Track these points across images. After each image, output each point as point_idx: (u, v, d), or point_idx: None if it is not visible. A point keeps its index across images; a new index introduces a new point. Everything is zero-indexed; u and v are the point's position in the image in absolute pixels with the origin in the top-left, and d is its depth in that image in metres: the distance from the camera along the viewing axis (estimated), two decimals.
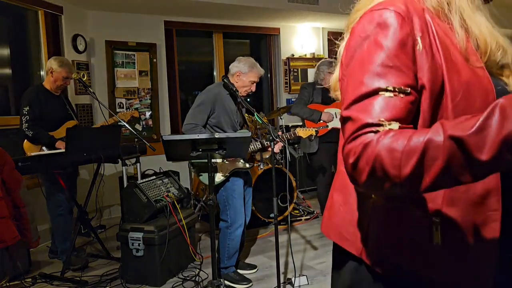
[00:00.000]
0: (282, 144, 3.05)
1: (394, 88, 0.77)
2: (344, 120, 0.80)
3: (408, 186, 0.69)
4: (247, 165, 3.04)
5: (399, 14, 0.81)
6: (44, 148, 3.42)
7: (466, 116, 0.67)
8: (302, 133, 3.33)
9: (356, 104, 0.79)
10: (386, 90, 0.77)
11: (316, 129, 3.39)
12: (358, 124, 0.76)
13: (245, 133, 2.72)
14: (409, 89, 0.78)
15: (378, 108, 0.76)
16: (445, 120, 0.74)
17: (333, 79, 1.06)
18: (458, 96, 0.81)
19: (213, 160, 2.80)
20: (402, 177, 0.68)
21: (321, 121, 3.91)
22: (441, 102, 0.82)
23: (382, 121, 0.75)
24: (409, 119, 0.78)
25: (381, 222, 0.89)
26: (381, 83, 0.78)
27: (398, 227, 0.87)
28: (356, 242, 0.92)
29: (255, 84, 3.09)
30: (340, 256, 0.98)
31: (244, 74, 3.02)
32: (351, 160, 0.74)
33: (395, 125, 0.75)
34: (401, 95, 0.77)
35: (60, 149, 3.34)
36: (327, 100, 3.94)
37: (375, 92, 0.77)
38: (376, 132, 0.74)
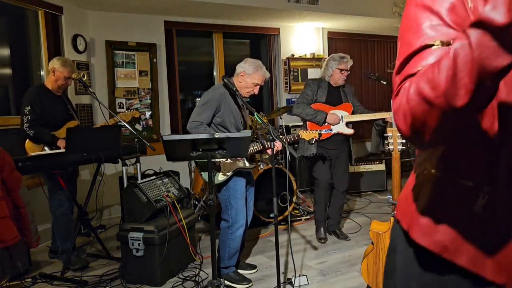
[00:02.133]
0: (282, 144, 3.02)
1: (439, 42, 0.77)
2: (394, 83, 0.81)
3: (453, 101, 0.66)
4: (250, 165, 3.04)
5: None
6: (46, 148, 3.42)
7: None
8: (305, 135, 3.25)
9: (406, 65, 0.79)
10: (432, 46, 0.77)
11: (319, 132, 3.30)
12: (401, 78, 0.77)
13: (245, 132, 2.72)
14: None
15: (423, 61, 0.76)
16: None
17: None
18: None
19: (216, 159, 2.80)
20: (442, 91, 0.67)
21: (326, 124, 3.66)
22: None
23: (421, 67, 0.75)
24: None
25: (427, 195, 0.88)
26: (427, 40, 0.78)
27: (446, 199, 0.86)
28: (407, 216, 0.93)
29: (258, 87, 3.03)
30: (396, 232, 0.99)
31: (248, 75, 2.99)
32: (396, 110, 0.75)
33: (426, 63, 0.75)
34: (447, 47, 0.76)
35: (61, 148, 3.34)
36: (333, 100, 3.75)
37: (421, 49, 0.78)
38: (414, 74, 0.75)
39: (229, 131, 2.94)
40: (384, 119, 3.78)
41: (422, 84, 0.70)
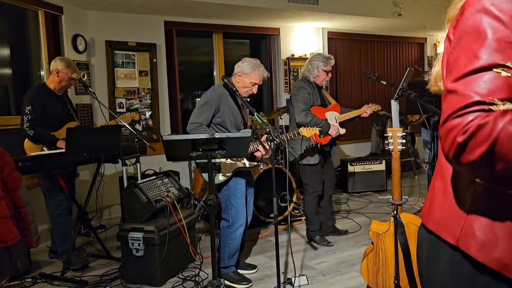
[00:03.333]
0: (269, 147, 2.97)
1: (509, 65, 0.72)
2: (449, 92, 0.76)
3: None
4: (250, 164, 3.03)
5: None
6: (45, 148, 3.42)
7: None
8: (306, 132, 3.20)
9: (466, 78, 0.74)
10: (504, 66, 0.72)
11: (320, 130, 3.27)
12: (467, 100, 0.72)
13: (245, 133, 2.72)
14: None
15: (492, 86, 0.71)
16: None
17: (434, 73, 1.02)
18: None
19: (216, 160, 2.80)
20: None
21: (327, 135, 3.61)
22: None
23: (495, 100, 0.70)
24: None
25: (482, 208, 0.84)
26: (498, 58, 0.73)
27: (502, 213, 0.82)
28: (455, 230, 0.88)
29: (256, 86, 3.02)
30: (437, 244, 0.94)
31: (245, 74, 2.98)
32: (460, 138, 0.71)
33: (510, 105, 0.70)
34: None
35: (61, 148, 3.34)
36: (322, 101, 3.72)
37: (490, 68, 0.73)
38: (488, 110, 0.70)
39: (229, 131, 2.94)
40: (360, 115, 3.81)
41: (506, 140, 0.68)
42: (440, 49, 1.15)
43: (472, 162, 0.71)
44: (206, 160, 2.87)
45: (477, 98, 0.71)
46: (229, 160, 2.93)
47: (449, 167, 0.92)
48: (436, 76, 1.02)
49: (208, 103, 2.92)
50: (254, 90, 3.03)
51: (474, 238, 0.84)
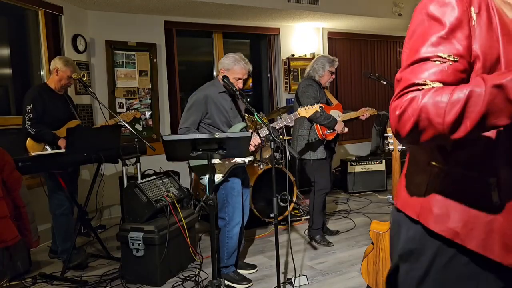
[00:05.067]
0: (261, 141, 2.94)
1: (445, 56, 0.88)
2: (397, 81, 0.92)
3: (449, 132, 0.81)
4: (246, 160, 3.01)
5: None
6: (47, 147, 3.43)
7: (502, 71, 0.80)
8: (304, 112, 3.09)
9: (409, 68, 0.91)
10: (438, 57, 0.88)
11: (321, 105, 3.16)
12: (406, 83, 0.88)
13: (245, 133, 2.72)
14: (459, 58, 0.88)
15: (426, 72, 0.87)
16: (483, 74, 0.84)
17: None
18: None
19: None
20: (445, 124, 0.80)
21: (334, 131, 3.62)
22: (494, 71, 0.89)
23: (427, 81, 0.86)
24: (455, 84, 0.86)
25: (437, 187, 0.97)
26: (433, 51, 0.88)
27: (453, 191, 0.95)
28: (415, 206, 1.01)
29: (241, 81, 3.00)
30: (400, 221, 1.07)
31: (227, 70, 2.97)
32: (397, 113, 0.86)
33: (439, 85, 0.86)
34: (450, 62, 0.87)
35: (63, 147, 3.34)
36: (327, 100, 3.79)
37: (426, 59, 0.89)
38: (421, 90, 0.85)
39: (221, 130, 2.95)
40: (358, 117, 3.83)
41: (430, 106, 0.81)
42: None
43: (409, 133, 0.85)
44: (201, 164, 2.92)
45: (413, 81, 0.87)
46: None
47: (412, 153, 1.07)
48: None
49: (194, 107, 2.94)
50: (240, 85, 2.99)
51: (431, 212, 0.97)
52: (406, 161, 1.12)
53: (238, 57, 2.99)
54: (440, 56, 0.87)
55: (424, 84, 0.86)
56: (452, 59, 0.87)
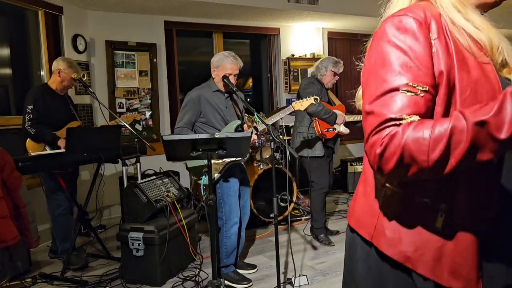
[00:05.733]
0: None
1: (414, 85, 0.86)
2: (367, 114, 0.89)
3: (434, 169, 0.79)
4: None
5: (417, 20, 0.89)
6: (47, 147, 3.43)
7: (479, 105, 0.78)
8: (299, 105, 3.09)
9: (379, 99, 0.87)
10: (407, 86, 0.86)
11: (315, 97, 3.16)
12: (381, 118, 0.85)
13: (245, 132, 2.72)
14: (428, 87, 0.87)
15: (400, 104, 0.85)
16: (461, 109, 0.82)
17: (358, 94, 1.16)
18: (466, 93, 0.89)
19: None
20: (430, 161, 0.78)
21: (335, 125, 3.63)
22: (451, 98, 0.90)
23: (404, 115, 0.84)
24: (428, 114, 0.87)
25: (390, 210, 0.97)
26: (402, 81, 0.86)
27: (405, 215, 0.95)
28: (369, 227, 1.01)
29: (233, 76, 3.00)
30: (355, 240, 1.07)
31: (217, 68, 3.02)
32: (378, 151, 0.84)
33: (416, 118, 0.84)
34: (421, 93, 0.86)
35: (62, 147, 3.34)
36: (329, 100, 3.80)
37: (396, 89, 0.86)
38: (399, 125, 0.83)
39: (216, 128, 2.97)
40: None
41: (413, 143, 0.79)
42: None
43: (392, 170, 0.83)
44: (197, 165, 2.92)
45: (389, 115, 0.85)
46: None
47: (369, 173, 1.04)
48: (358, 95, 1.17)
49: (187, 107, 2.99)
50: (232, 80, 3.00)
51: (384, 235, 0.97)
52: (361, 179, 1.10)
53: (227, 53, 3.04)
54: (410, 85, 0.86)
55: (401, 119, 0.83)
56: (421, 89, 0.86)
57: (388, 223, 0.97)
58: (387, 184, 0.97)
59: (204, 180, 2.96)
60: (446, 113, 0.89)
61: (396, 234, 0.95)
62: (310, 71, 3.87)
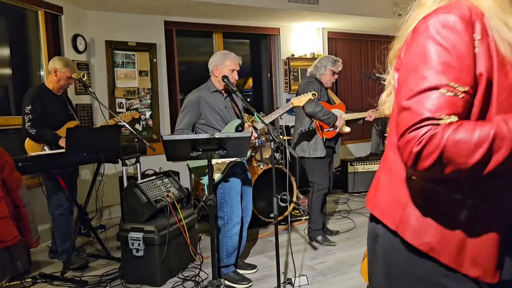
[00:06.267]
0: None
1: (455, 86, 0.86)
2: (404, 109, 0.89)
3: (471, 171, 0.82)
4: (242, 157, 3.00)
5: (463, 19, 0.88)
6: (45, 147, 3.42)
7: None
8: (297, 101, 3.09)
9: (417, 96, 0.88)
10: (448, 86, 0.86)
11: (314, 93, 3.15)
12: (419, 116, 0.86)
13: (245, 132, 2.72)
14: (468, 88, 0.87)
15: (439, 104, 0.85)
16: (502, 115, 0.85)
17: (382, 100, 1.18)
18: (503, 95, 0.90)
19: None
20: (468, 164, 0.81)
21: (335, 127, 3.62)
22: (489, 99, 0.91)
23: (443, 116, 0.84)
24: (465, 115, 0.88)
25: (417, 201, 0.99)
26: (443, 80, 0.86)
27: (432, 206, 0.97)
28: (395, 217, 1.03)
29: (236, 72, 3.06)
30: (378, 230, 1.09)
31: (219, 65, 3.05)
32: (416, 149, 0.85)
33: (454, 118, 0.85)
34: (461, 94, 0.86)
35: (63, 148, 3.34)
36: (329, 99, 3.79)
37: (436, 88, 0.86)
38: (437, 124, 0.84)
39: (216, 129, 2.97)
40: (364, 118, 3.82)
41: (453, 146, 0.81)
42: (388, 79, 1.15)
43: (427, 168, 0.85)
44: (199, 165, 2.92)
45: (428, 114, 0.85)
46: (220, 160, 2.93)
47: (395, 163, 1.06)
48: (381, 100, 1.19)
49: (186, 109, 3.00)
50: (235, 76, 3.06)
51: (410, 226, 1.00)
52: (382, 168, 1.12)
53: (225, 51, 3.11)
54: (450, 86, 0.86)
55: (440, 119, 0.84)
56: (461, 89, 0.86)
57: (414, 214, 0.99)
58: (413, 177, 0.99)
59: (206, 180, 2.96)
60: (481, 114, 0.90)
61: (421, 225, 0.98)
62: (308, 70, 3.86)
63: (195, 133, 3.00)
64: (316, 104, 3.53)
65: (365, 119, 3.82)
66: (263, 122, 2.77)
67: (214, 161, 2.90)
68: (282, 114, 3.24)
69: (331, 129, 3.67)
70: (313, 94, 3.14)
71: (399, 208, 1.02)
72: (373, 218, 1.12)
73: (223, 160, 2.93)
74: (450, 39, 0.88)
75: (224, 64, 3.02)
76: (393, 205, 1.04)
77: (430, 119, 0.84)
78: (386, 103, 1.16)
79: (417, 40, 0.93)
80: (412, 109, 0.87)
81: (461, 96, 0.86)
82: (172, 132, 5.50)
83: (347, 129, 3.73)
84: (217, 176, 2.94)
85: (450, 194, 0.95)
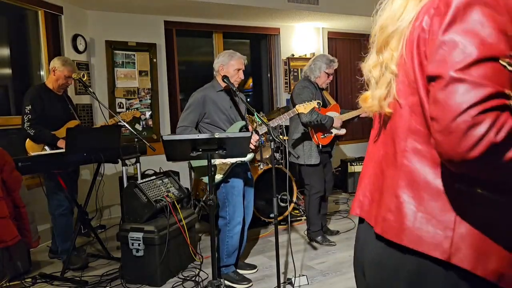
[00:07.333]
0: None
1: None
2: (455, 81, 0.68)
3: None
4: (245, 159, 3.00)
5: None
6: (46, 147, 3.42)
7: None
8: (302, 109, 3.11)
9: (477, 65, 0.68)
10: (507, 58, 0.68)
11: (318, 101, 3.16)
12: (487, 91, 0.66)
13: (245, 132, 2.72)
14: None
15: (502, 77, 0.67)
16: None
17: (377, 94, 0.94)
18: None
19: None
20: None
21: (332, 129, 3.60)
22: None
23: (510, 93, 0.67)
24: None
25: (471, 217, 0.77)
26: (501, 50, 0.68)
27: (491, 220, 0.76)
28: (442, 243, 0.78)
29: (241, 71, 3.09)
30: (422, 266, 0.82)
31: (226, 65, 3.05)
32: (498, 137, 0.64)
33: None
34: None
35: (62, 148, 3.34)
36: (324, 101, 3.72)
37: (496, 59, 0.68)
38: (509, 105, 0.66)
39: (221, 128, 2.98)
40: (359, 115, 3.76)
41: None
42: (375, 72, 1.03)
43: (480, 156, 0.65)
44: (202, 164, 2.92)
45: (496, 89, 0.66)
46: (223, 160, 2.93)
47: (422, 173, 0.82)
48: (380, 97, 0.93)
49: (192, 106, 3.01)
50: (241, 75, 3.09)
51: (466, 248, 0.77)
52: (404, 180, 0.86)
53: (232, 51, 3.12)
54: (509, 57, 0.68)
55: (509, 97, 0.67)
56: None
57: (470, 235, 0.77)
58: (459, 185, 0.77)
59: (207, 179, 2.95)
60: None
61: (484, 246, 0.76)
62: (303, 71, 3.79)
63: (200, 132, 3.01)
64: (311, 113, 3.45)
65: (360, 115, 3.76)
66: (263, 122, 2.77)
67: (218, 161, 2.91)
68: (286, 119, 3.26)
69: (327, 134, 3.63)
70: (318, 103, 3.15)
71: (446, 231, 0.78)
72: (400, 250, 0.84)
73: (227, 161, 2.93)
74: (497, 7, 0.71)
75: (230, 64, 3.04)
76: (435, 227, 0.80)
77: (501, 96, 0.66)
78: (365, 102, 0.98)
79: (460, 3, 0.73)
80: (470, 81, 0.67)
81: None
82: (172, 131, 5.50)
83: (342, 131, 3.70)
84: (218, 177, 2.94)
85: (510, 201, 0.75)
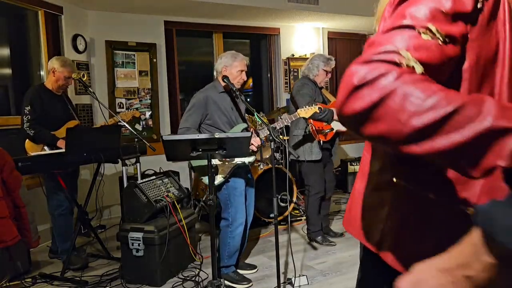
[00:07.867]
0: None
1: (436, 30, 0.68)
2: (368, 46, 0.71)
3: (405, 139, 0.59)
4: (246, 161, 3.02)
5: None
6: (46, 148, 3.42)
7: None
8: (304, 113, 3.14)
9: (389, 32, 0.70)
10: (425, 28, 0.67)
11: (319, 107, 3.18)
12: (379, 48, 0.67)
13: (245, 133, 2.72)
14: (450, 40, 0.68)
15: (409, 42, 0.66)
16: (497, 100, 0.62)
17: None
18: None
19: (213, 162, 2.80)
20: (407, 126, 0.58)
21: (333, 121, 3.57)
22: (490, 71, 0.73)
23: (408, 56, 0.65)
24: (436, 72, 0.67)
25: (402, 213, 0.77)
26: (424, 20, 0.68)
27: (424, 219, 0.75)
28: (374, 236, 0.79)
29: (244, 72, 3.09)
30: (363, 252, 0.85)
31: (229, 66, 3.05)
32: (355, 81, 0.64)
33: (418, 68, 0.65)
34: (440, 42, 0.67)
35: (62, 148, 3.34)
36: (323, 99, 3.77)
37: (412, 27, 0.68)
38: (397, 64, 0.64)
39: (222, 130, 2.97)
40: None
41: (401, 95, 0.59)
42: None
43: (356, 113, 0.62)
44: (202, 164, 2.92)
45: (390, 48, 0.66)
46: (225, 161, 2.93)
47: (367, 164, 0.82)
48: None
49: (193, 108, 2.99)
50: (244, 76, 3.09)
51: (391, 244, 0.76)
52: (361, 171, 0.88)
53: (234, 52, 3.12)
54: (429, 29, 0.67)
55: (402, 57, 0.65)
56: (442, 39, 0.67)
57: (398, 231, 0.77)
58: (395, 179, 0.77)
59: (207, 179, 2.95)
60: (479, 87, 0.73)
61: (408, 246, 0.76)
62: (301, 70, 3.83)
63: (200, 133, 3.00)
64: (312, 115, 3.46)
65: None
66: (263, 122, 2.77)
67: (220, 163, 2.91)
68: (288, 123, 3.26)
69: (328, 130, 3.64)
70: (319, 108, 3.18)
71: (378, 223, 0.80)
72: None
73: (226, 162, 2.93)
74: None
75: (233, 65, 3.04)
76: (371, 219, 0.82)
77: (391, 52, 0.65)
78: None
79: None
80: (376, 43, 0.68)
81: (439, 43, 0.67)
82: (172, 131, 5.51)
83: (343, 128, 3.71)
84: (218, 179, 2.94)
85: (442, 201, 0.75)
